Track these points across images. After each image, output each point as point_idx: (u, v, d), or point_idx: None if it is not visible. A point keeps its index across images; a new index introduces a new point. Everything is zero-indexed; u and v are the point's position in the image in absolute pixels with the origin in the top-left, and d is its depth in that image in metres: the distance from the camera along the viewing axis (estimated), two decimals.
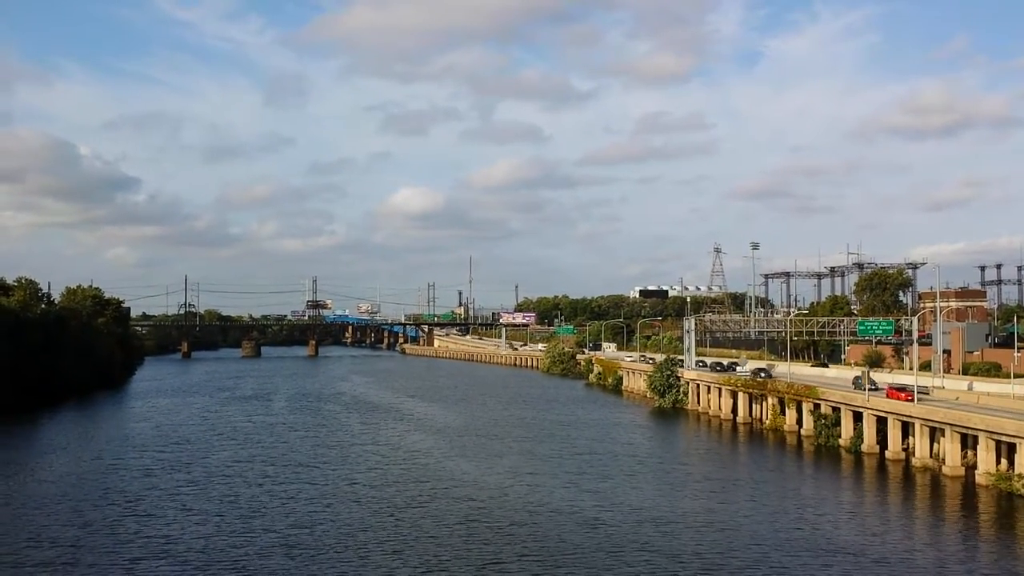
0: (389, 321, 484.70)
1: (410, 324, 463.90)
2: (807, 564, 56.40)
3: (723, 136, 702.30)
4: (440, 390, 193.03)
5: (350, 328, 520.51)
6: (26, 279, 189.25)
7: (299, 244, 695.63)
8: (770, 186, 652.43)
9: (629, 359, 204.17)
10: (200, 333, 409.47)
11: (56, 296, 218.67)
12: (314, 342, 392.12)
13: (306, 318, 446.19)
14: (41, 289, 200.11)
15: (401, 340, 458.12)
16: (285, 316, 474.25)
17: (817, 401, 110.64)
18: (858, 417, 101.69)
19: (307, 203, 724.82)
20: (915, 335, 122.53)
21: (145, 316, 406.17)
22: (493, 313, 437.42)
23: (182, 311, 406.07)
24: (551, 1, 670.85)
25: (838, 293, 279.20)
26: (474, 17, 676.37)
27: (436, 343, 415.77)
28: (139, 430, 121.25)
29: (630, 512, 70.46)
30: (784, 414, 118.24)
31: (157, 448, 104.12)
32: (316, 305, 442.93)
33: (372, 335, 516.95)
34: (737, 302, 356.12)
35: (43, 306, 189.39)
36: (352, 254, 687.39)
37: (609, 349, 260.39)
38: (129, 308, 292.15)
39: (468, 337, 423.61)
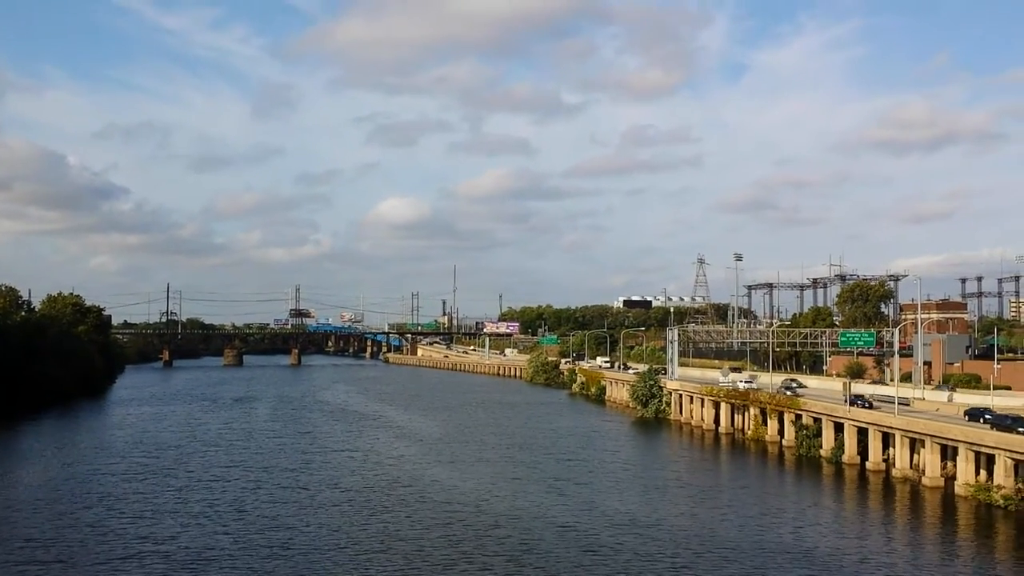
0: (373, 330, 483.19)
1: (393, 333, 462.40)
2: (782, 567, 56.99)
3: (709, 149, 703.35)
4: (424, 399, 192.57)
5: (333, 337, 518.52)
6: (6, 286, 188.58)
7: (283, 253, 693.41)
8: (755, 198, 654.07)
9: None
10: (182, 341, 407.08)
11: (37, 304, 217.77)
12: (296, 351, 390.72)
13: (289, 327, 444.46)
14: (21, 296, 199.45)
15: (384, 349, 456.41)
16: (268, 325, 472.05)
17: (799, 412, 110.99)
18: (839, 428, 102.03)
19: (293, 213, 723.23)
20: (896, 346, 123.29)
21: (127, 324, 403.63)
22: (477, 323, 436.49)
23: (164, 319, 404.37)
24: (546, 16, 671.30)
25: (820, 304, 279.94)
26: (468, 30, 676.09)
27: (420, 352, 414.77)
28: (120, 437, 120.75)
29: (608, 516, 71.04)
30: (766, 424, 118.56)
31: (138, 455, 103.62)
32: (299, 314, 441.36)
33: (355, 344, 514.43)
34: (720, 313, 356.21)
35: (23, 313, 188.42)
36: (336, 263, 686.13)
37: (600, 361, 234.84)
38: (110, 316, 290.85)
39: (452, 346, 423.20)
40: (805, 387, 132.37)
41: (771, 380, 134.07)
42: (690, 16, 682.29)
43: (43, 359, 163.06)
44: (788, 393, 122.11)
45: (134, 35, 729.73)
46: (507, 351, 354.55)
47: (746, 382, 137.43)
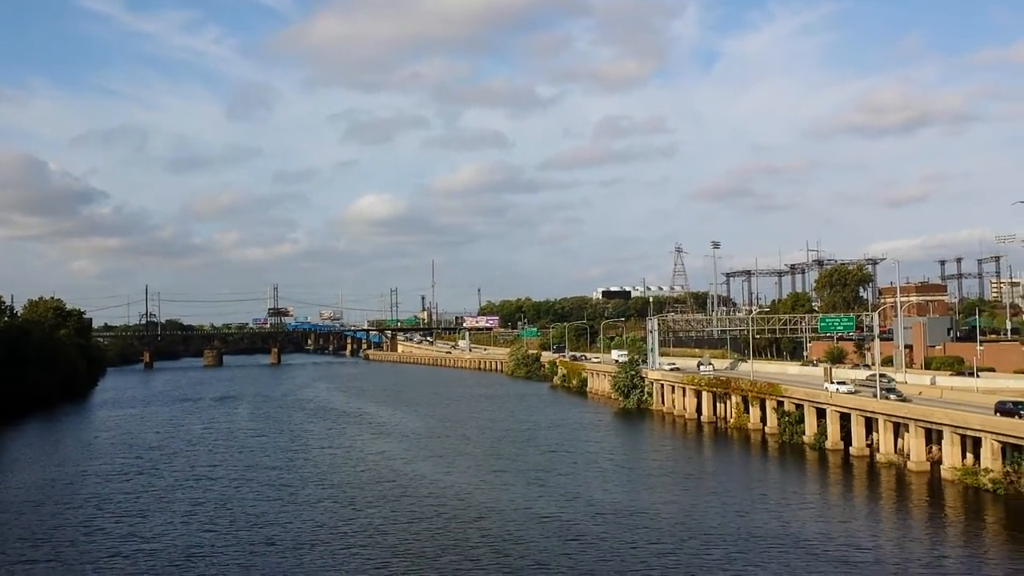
0: (352, 327, 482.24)
1: (373, 330, 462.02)
2: (766, 552, 57.29)
3: (683, 138, 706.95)
4: (405, 394, 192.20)
5: (312, 335, 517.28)
6: None
7: (261, 252, 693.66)
8: (730, 186, 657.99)
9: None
10: (161, 343, 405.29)
11: (19, 309, 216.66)
12: (276, 350, 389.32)
13: (268, 326, 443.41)
14: (4, 302, 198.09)
15: (364, 346, 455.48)
16: (247, 324, 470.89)
17: (780, 399, 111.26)
18: (821, 414, 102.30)
19: (271, 212, 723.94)
20: (876, 331, 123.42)
21: (107, 327, 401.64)
22: (456, 317, 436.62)
23: (143, 321, 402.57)
24: (519, 10, 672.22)
25: (799, 290, 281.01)
26: (441, 26, 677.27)
27: (400, 348, 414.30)
28: (105, 439, 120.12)
29: (591, 506, 71.37)
30: (748, 412, 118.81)
31: (123, 456, 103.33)
32: (278, 312, 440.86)
33: (335, 342, 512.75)
34: (699, 301, 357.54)
35: (5, 319, 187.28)
36: (314, 261, 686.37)
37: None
38: (91, 319, 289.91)
39: (431, 341, 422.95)
40: (895, 381, 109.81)
41: (752, 367, 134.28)
42: (662, 5, 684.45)
43: (27, 363, 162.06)
44: (892, 397, 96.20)
45: (110, 40, 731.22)
46: (460, 343, 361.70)
47: (841, 383, 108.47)
